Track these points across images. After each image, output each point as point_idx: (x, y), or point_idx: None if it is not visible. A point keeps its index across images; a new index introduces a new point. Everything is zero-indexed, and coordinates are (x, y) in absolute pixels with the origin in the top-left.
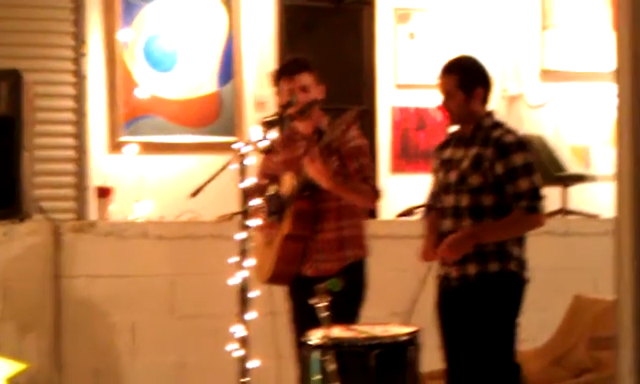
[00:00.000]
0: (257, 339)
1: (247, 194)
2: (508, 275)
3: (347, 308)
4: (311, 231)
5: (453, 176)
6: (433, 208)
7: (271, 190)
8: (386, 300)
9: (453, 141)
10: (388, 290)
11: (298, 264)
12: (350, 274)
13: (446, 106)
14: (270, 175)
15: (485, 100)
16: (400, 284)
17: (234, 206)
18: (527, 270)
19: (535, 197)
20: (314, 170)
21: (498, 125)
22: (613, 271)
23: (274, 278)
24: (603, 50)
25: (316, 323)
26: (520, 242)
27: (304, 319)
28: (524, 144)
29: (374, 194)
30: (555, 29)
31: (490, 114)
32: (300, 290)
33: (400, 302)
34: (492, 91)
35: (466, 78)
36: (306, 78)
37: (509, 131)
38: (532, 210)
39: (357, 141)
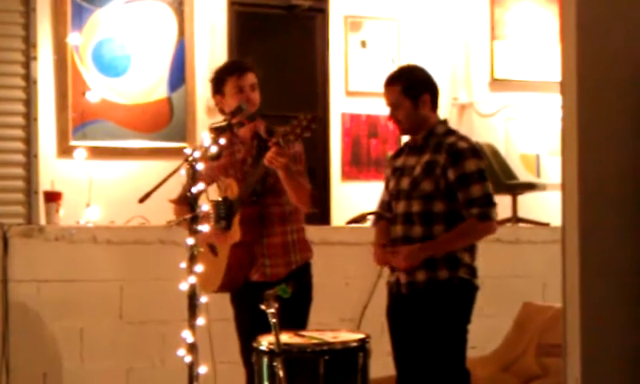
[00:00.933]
0: (208, 345)
1: (196, 200)
2: (458, 282)
3: (296, 311)
4: (258, 236)
5: (405, 182)
6: (382, 217)
7: (218, 195)
8: (336, 306)
9: (406, 149)
10: (338, 297)
11: (246, 270)
12: (297, 278)
13: (394, 117)
14: (204, 179)
15: (434, 106)
16: (350, 290)
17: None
18: (477, 277)
19: (487, 204)
20: (281, 161)
21: (451, 132)
22: (561, 279)
23: (224, 287)
24: (552, 60)
25: (263, 328)
26: (471, 249)
27: (250, 324)
28: (477, 151)
29: (313, 196)
30: (505, 39)
31: (443, 122)
32: (245, 295)
33: (350, 308)
34: (439, 97)
35: (409, 85)
36: (253, 78)
37: (462, 138)
38: (484, 218)
39: (298, 147)
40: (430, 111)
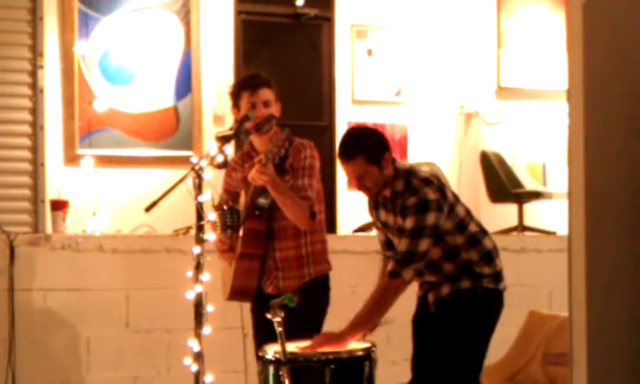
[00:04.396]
0: (215, 353)
1: (203, 208)
2: (482, 291)
3: (308, 323)
4: (263, 250)
5: (394, 238)
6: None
7: (224, 204)
8: (342, 314)
9: (380, 202)
10: (344, 305)
11: (255, 281)
12: (310, 290)
13: (362, 187)
14: (232, 192)
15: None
16: (356, 299)
17: (190, 220)
18: (502, 280)
19: (403, 261)
20: (263, 179)
21: (408, 186)
22: (567, 288)
23: (234, 295)
24: (558, 68)
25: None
26: (487, 258)
27: (265, 335)
28: (425, 205)
29: (310, 213)
30: (511, 47)
31: (397, 175)
32: (260, 307)
33: None
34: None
35: (371, 153)
36: (268, 94)
37: (415, 191)
38: (393, 274)
39: (310, 160)
40: (391, 167)
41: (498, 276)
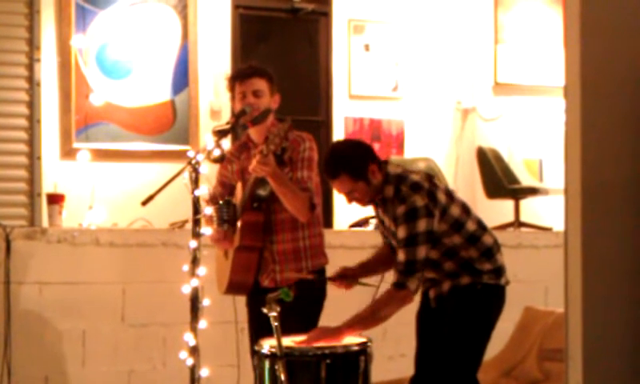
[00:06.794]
0: (210, 347)
1: (200, 202)
2: (481, 287)
3: (304, 317)
4: (262, 242)
5: (392, 242)
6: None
7: (220, 198)
8: (338, 310)
9: (377, 203)
10: (340, 301)
11: (252, 274)
12: (307, 284)
13: (353, 199)
14: (226, 184)
15: (379, 166)
16: (352, 294)
17: (187, 214)
18: (503, 275)
19: (406, 271)
20: (264, 169)
21: (397, 193)
22: (563, 284)
23: (231, 288)
24: (556, 64)
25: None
26: (487, 254)
27: (261, 329)
28: (414, 213)
29: (310, 205)
30: (508, 43)
31: (387, 180)
32: (257, 300)
33: (351, 312)
34: (374, 152)
35: (355, 170)
36: (259, 83)
37: (403, 199)
38: (398, 286)
39: (308, 153)
40: (380, 174)
41: (498, 271)
